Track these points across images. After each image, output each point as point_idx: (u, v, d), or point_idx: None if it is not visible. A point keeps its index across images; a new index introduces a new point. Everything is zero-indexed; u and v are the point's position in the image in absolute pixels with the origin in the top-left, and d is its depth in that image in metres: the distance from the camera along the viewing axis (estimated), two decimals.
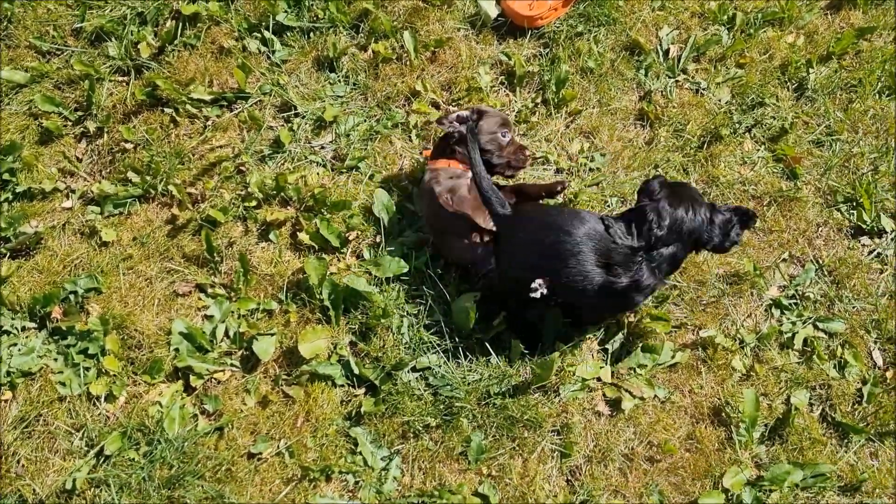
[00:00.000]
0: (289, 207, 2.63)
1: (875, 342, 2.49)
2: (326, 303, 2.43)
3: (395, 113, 2.74)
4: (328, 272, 2.46)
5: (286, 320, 2.46)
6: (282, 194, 2.62)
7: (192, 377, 2.38)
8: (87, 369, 2.39)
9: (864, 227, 2.63)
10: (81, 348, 2.41)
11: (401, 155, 2.70)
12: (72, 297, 2.48)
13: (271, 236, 2.58)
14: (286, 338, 2.44)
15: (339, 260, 2.55)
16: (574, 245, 2.14)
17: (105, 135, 2.73)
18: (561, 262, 2.14)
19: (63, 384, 2.38)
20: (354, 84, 2.80)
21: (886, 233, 2.62)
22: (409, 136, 2.73)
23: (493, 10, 2.88)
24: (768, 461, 2.31)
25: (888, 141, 2.73)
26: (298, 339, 2.38)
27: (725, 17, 2.91)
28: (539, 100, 2.79)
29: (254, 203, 2.61)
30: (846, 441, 2.33)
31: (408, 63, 2.82)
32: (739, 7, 2.94)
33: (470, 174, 2.39)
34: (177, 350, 2.41)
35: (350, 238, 2.56)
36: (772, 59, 2.86)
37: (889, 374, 2.43)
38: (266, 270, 2.53)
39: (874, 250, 2.61)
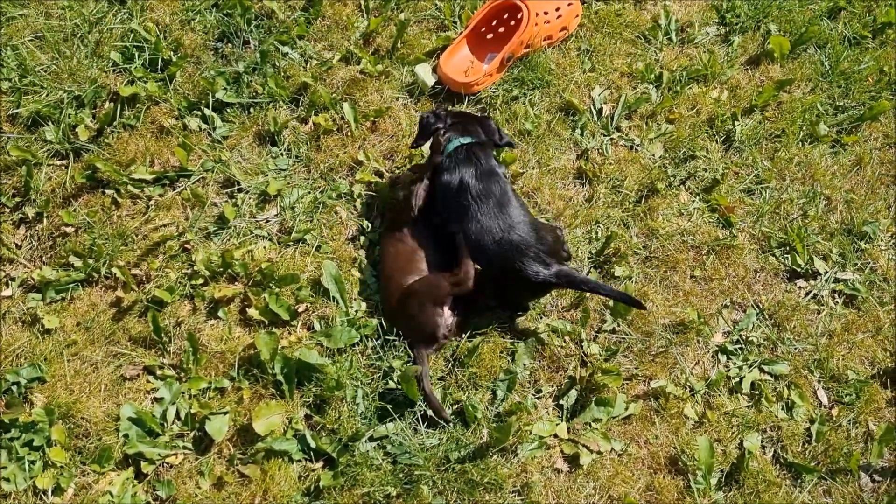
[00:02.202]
0: (236, 283, 2.61)
1: (819, 381, 2.56)
2: (279, 377, 2.41)
3: (339, 183, 2.77)
4: (279, 346, 2.44)
5: (239, 398, 2.43)
6: (229, 270, 2.61)
7: (143, 463, 2.32)
8: (33, 462, 2.31)
9: (798, 270, 2.73)
10: (26, 441, 2.33)
11: (346, 225, 2.72)
12: (14, 388, 2.41)
13: (220, 313, 2.56)
14: (240, 416, 2.40)
15: (289, 333, 2.54)
16: None
17: (45, 220, 2.69)
18: None
19: (7, 479, 2.28)
20: (297, 157, 2.83)
21: (820, 274, 2.72)
22: (354, 206, 2.75)
23: (429, 79, 2.95)
24: None
25: (814, 187, 2.86)
26: (252, 416, 2.34)
27: (653, 76, 3.04)
28: None
29: (201, 281, 2.59)
30: (800, 481, 2.38)
31: (349, 133, 2.86)
32: (665, 66, 3.07)
33: None
34: (126, 436, 2.35)
35: (300, 310, 2.56)
36: (699, 113, 2.99)
37: (835, 412, 2.50)
38: (216, 348, 2.50)
39: (810, 292, 2.70)
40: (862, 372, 2.57)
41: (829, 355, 2.57)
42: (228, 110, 2.90)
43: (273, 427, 2.36)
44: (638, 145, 2.92)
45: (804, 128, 2.97)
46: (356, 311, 2.56)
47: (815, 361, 2.58)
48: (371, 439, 2.36)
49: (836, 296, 2.71)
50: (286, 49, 3.00)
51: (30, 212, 2.69)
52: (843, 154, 2.95)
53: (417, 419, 2.39)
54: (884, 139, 2.99)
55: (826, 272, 2.72)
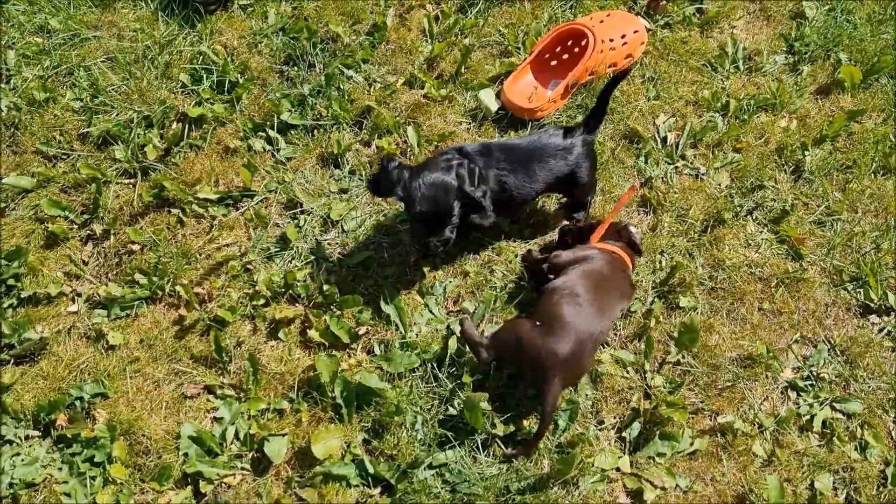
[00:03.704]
0: (297, 305, 2.61)
1: (894, 421, 2.46)
2: (339, 400, 2.39)
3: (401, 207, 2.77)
4: (339, 369, 2.43)
5: (298, 420, 2.42)
6: (290, 292, 2.61)
7: (201, 482, 2.31)
8: (94, 478, 2.32)
9: (871, 305, 2.64)
10: (87, 456, 2.35)
11: (408, 248, 2.71)
12: (77, 403, 2.44)
13: (280, 334, 2.56)
14: (298, 438, 2.39)
15: (349, 356, 2.53)
16: None
17: (111, 237, 2.73)
18: None
19: (68, 495, 2.30)
20: (360, 180, 2.83)
21: (894, 310, 2.63)
22: None
23: (493, 104, 2.94)
24: None
25: (888, 219, 2.77)
26: (311, 439, 2.33)
27: (719, 104, 2.99)
28: None
29: (262, 301, 2.60)
30: None
31: (412, 157, 2.86)
32: (732, 94, 3.02)
33: None
34: (186, 455, 2.35)
35: (360, 333, 2.55)
36: (767, 143, 2.92)
37: None
38: (276, 369, 2.50)
39: (884, 328, 2.61)
40: None
41: None
42: (293, 132, 2.92)
43: (331, 451, 2.34)
44: (703, 174, 2.86)
45: (876, 159, 2.89)
46: (416, 336, 2.53)
47: (889, 400, 2.48)
48: (430, 467, 2.33)
49: None
50: (350, 72, 3.02)
51: (97, 229, 2.73)
52: None
53: (477, 447, 2.35)
54: None
55: None
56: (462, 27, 3.12)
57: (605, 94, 2.46)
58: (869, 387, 2.51)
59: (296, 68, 3.03)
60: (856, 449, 2.41)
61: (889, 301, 2.64)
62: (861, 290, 2.66)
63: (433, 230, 2.38)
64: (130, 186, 2.82)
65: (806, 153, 2.88)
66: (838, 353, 2.56)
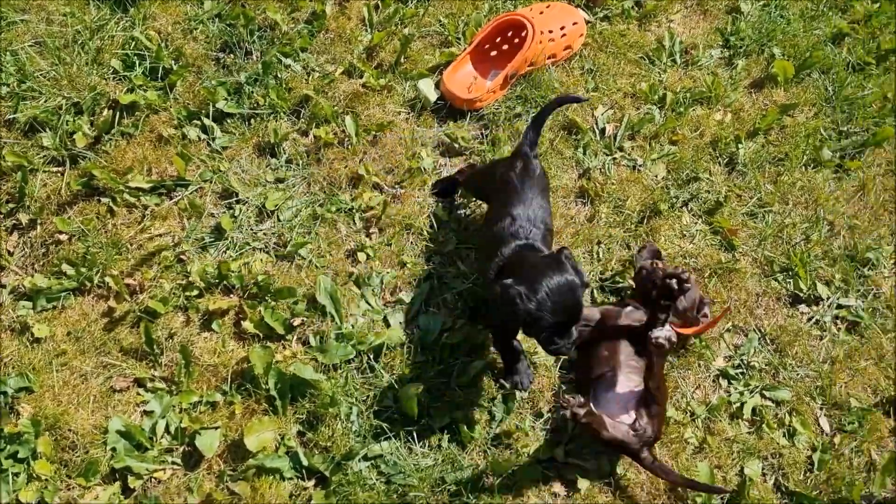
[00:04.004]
0: (232, 296, 2.57)
1: (821, 408, 2.53)
2: (273, 392, 2.36)
3: (338, 197, 2.74)
4: (274, 360, 2.39)
5: (231, 412, 2.38)
6: (224, 282, 2.56)
7: (130, 478, 2.26)
8: (17, 475, 2.25)
9: (801, 295, 2.70)
10: (10, 452, 2.27)
11: (345, 239, 2.68)
12: (1, 397, 2.36)
13: (214, 326, 2.51)
14: (231, 431, 2.35)
15: (284, 348, 2.49)
16: None
17: (38, 227, 2.65)
18: None
19: None
20: (296, 169, 2.80)
21: (823, 300, 2.69)
22: (353, 220, 2.71)
23: (432, 94, 2.93)
24: None
25: (817, 211, 2.83)
26: (244, 432, 2.29)
27: (656, 96, 3.02)
28: None
29: (195, 292, 2.55)
30: None
31: (349, 147, 2.83)
32: (669, 87, 3.05)
33: None
34: (114, 449, 2.29)
35: (295, 324, 2.51)
36: (702, 135, 2.97)
37: (837, 441, 2.46)
38: (209, 361, 2.45)
39: (812, 317, 2.67)
40: (865, 400, 2.53)
41: (831, 382, 2.54)
42: (228, 121, 2.87)
43: (265, 443, 2.31)
44: (641, 166, 2.89)
45: (808, 152, 2.95)
46: (352, 327, 2.51)
47: (817, 388, 2.54)
48: (365, 458, 2.31)
49: (839, 322, 2.67)
50: (288, 61, 2.97)
51: (23, 218, 2.65)
52: (846, 179, 2.93)
53: (413, 438, 2.34)
54: (887, 165, 2.97)
55: (829, 298, 2.69)
56: (402, 17, 3.10)
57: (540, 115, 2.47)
58: (797, 374, 2.56)
59: (232, 56, 2.97)
60: (784, 435, 2.47)
61: (818, 291, 2.70)
62: (791, 281, 2.72)
63: (562, 333, 2.11)
64: (59, 175, 2.74)
65: (739, 146, 2.93)
66: (768, 341, 2.62)
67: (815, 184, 2.90)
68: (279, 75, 2.94)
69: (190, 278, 2.55)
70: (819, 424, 2.50)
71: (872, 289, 2.72)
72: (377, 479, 2.29)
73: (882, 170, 2.97)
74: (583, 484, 2.32)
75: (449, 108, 2.95)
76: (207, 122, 2.83)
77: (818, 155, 2.94)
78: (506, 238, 2.27)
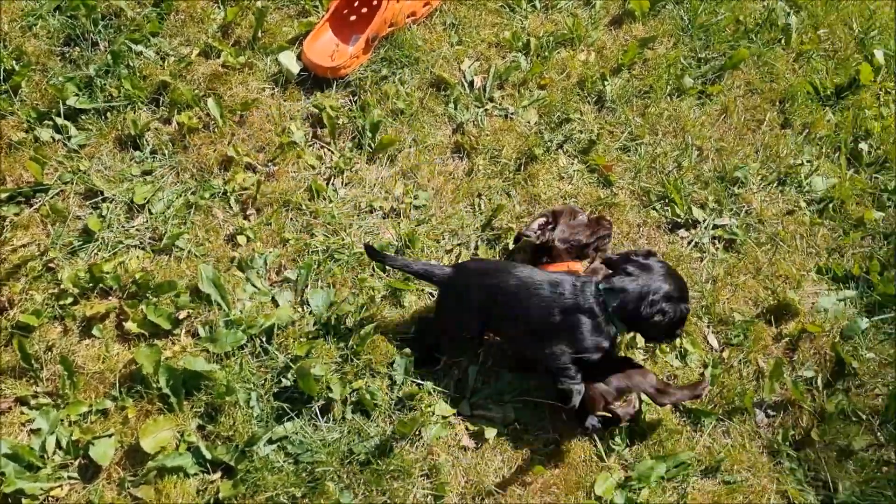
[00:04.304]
0: (110, 298, 2.47)
1: (708, 326, 2.62)
2: (165, 390, 2.29)
3: (210, 183, 2.65)
4: (162, 358, 2.32)
5: (124, 417, 2.29)
6: (100, 285, 2.46)
7: (24, 501, 2.16)
8: None
9: (679, 220, 2.78)
10: None
11: (223, 224, 2.61)
12: None
13: (94, 331, 2.41)
14: (127, 436, 2.27)
15: (172, 343, 2.42)
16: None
17: None
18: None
19: None
20: (163, 159, 2.69)
21: (700, 222, 2.78)
22: (229, 204, 2.64)
23: (294, 66, 2.86)
24: (633, 460, 2.36)
25: (685, 138, 2.92)
26: (139, 435, 2.22)
27: (520, 43, 3.03)
28: (356, 148, 2.78)
29: (69, 300, 2.43)
30: (699, 426, 2.43)
31: (216, 130, 2.74)
32: (532, 33, 3.07)
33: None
34: (2, 474, 2.18)
35: (181, 318, 2.44)
36: (569, 77, 3.00)
37: (726, 355, 2.56)
38: (94, 368, 2.35)
39: (692, 240, 2.76)
40: (747, 312, 2.64)
41: (715, 300, 2.63)
42: (83, 117, 2.73)
43: (163, 443, 2.24)
44: (512, 114, 2.91)
45: (670, 82, 3.03)
46: (240, 312, 2.45)
47: (702, 307, 2.64)
48: (270, 442, 2.27)
49: (717, 241, 2.77)
50: (139, 48, 2.84)
51: None
52: (709, 104, 3.02)
53: (316, 415, 2.31)
54: (746, 86, 3.08)
55: (705, 220, 2.78)
56: None
57: None
58: None
59: (78, 49, 2.83)
60: (677, 357, 2.55)
61: (694, 215, 2.79)
62: (668, 208, 2.80)
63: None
64: None
65: (606, 83, 2.98)
66: None
67: (681, 112, 2.98)
68: (131, 64, 2.81)
69: (62, 286, 2.44)
70: (708, 342, 2.59)
71: (744, 206, 2.83)
72: (284, 461, 2.26)
73: (742, 91, 3.07)
74: (490, 433, 2.34)
75: (314, 79, 2.88)
76: (60, 121, 2.69)
77: (680, 84, 3.02)
78: None
